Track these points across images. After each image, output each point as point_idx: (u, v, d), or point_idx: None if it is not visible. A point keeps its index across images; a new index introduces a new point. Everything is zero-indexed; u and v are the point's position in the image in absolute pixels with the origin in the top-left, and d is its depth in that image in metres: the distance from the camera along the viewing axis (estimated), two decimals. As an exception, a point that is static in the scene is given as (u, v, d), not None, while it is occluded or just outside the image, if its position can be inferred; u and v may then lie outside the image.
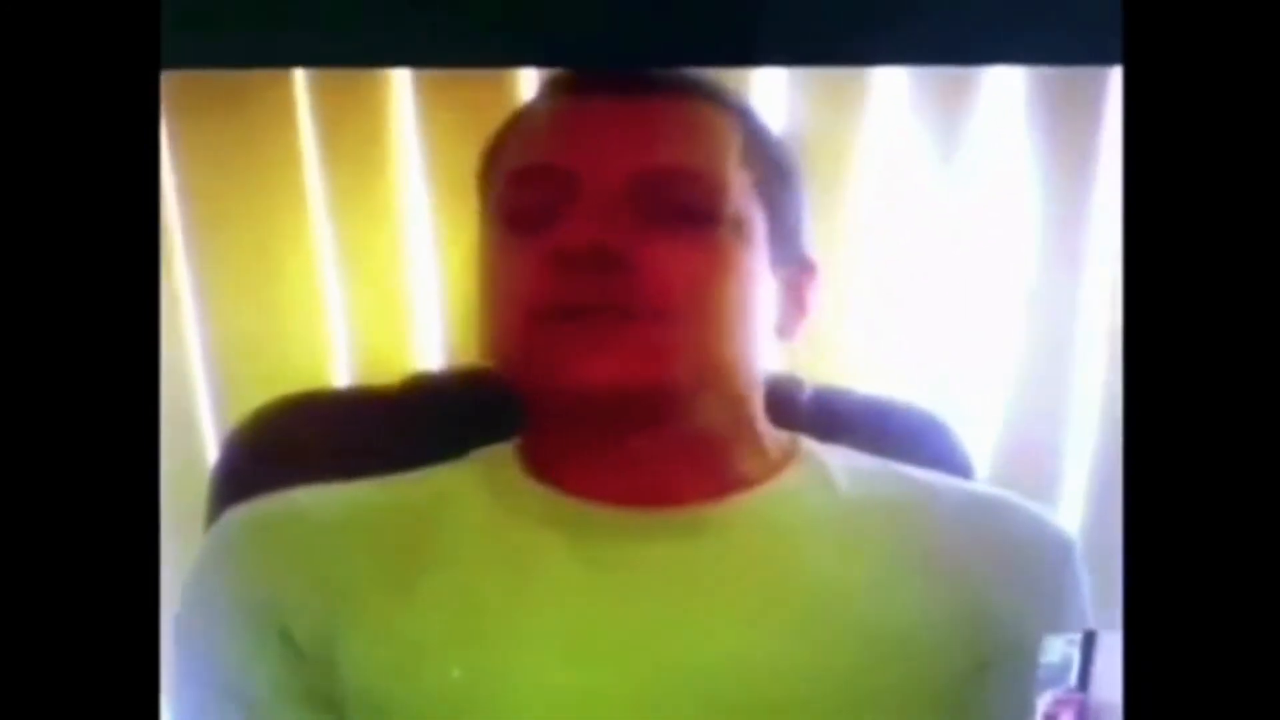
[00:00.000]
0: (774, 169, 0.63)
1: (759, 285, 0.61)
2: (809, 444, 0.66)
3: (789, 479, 0.63)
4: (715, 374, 0.60)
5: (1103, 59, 0.65)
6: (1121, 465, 0.44)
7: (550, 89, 0.64)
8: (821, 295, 0.67)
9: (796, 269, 0.65)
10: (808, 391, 0.67)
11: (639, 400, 0.58)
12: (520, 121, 0.64)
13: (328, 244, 0.86)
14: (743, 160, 0.61)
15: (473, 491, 0.63)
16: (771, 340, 0.64)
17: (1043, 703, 0.54)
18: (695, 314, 0.58)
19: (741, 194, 0.60)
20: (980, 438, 0.87)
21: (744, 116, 0.63)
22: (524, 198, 0.61)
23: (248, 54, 0.70)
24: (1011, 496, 0.66)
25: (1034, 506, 0.65)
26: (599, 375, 0.57)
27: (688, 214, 0.59)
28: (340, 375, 0.88)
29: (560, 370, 0.58)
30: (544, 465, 0.63)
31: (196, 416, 0.87)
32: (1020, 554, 0.62)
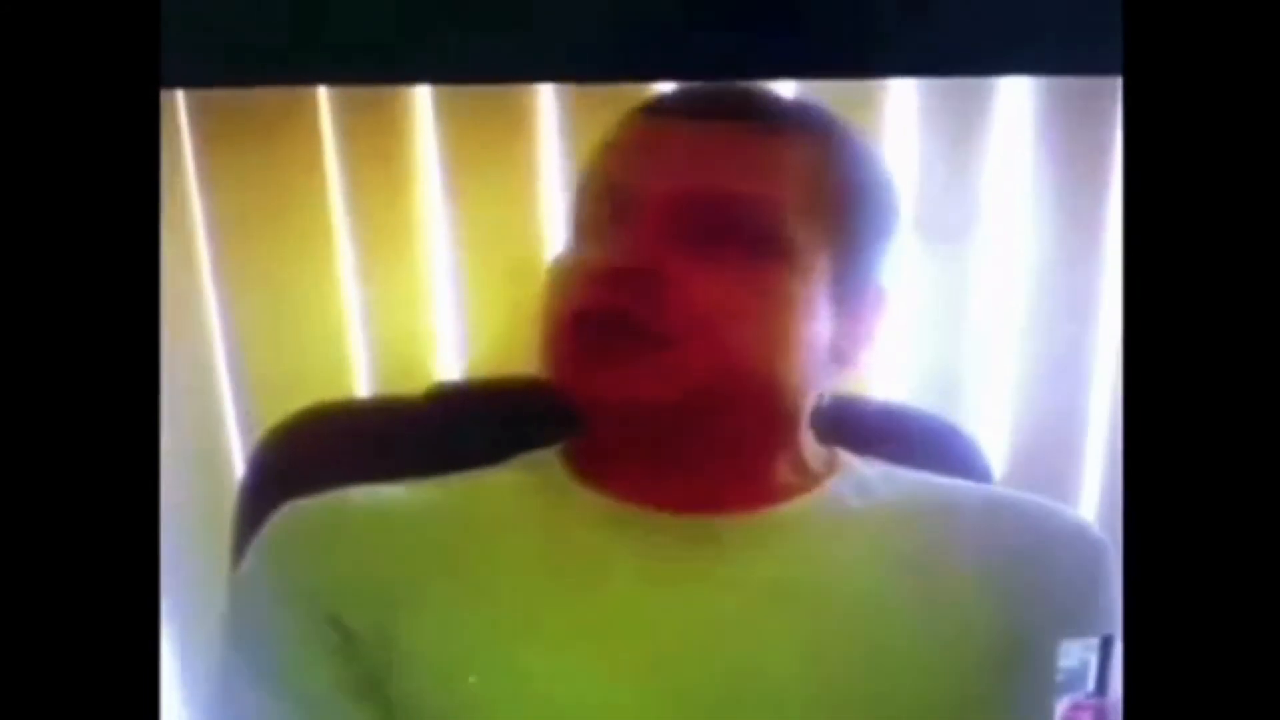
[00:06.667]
0: (853, 203, 0.62)
1: (809, 313, 0.60)
2: (848, 457, 0.67)
3: (829, 489, 0.64)
4: (743, 396, 0.60)
5: (1104, 69, 0.66)
6: (1122, 469, 0.44)
7: (637, 110, 0.64)
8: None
9: (870, 298, 0.64)
10: (826, 400, 0.68)
11: (657, 414, 0.59)
12: (606, 141, 0.64)
13: (351, 257, 0.88)
14: (811, 191, 0.60)
15: (521, 496, 0.64)
16: (827, 366, 0.63)
17: (1060, 707, 0.54)
18: (720, 337, 0.58)
19: (803, 224, 0.59)
20: (995, 444, 0.87)
21: (824, 146, 0.62)
22: (585, 211, 0.63)
23: (272, 73, 0.71)
24: (1047, 501, 0.66)
25: (1069, 510, 0.66)
26: (615, 387, 0.58)
27: (733, 238, 0.58)
28: (364, 386, 0.89)
29: (582, 377, 0.59)
30: (591, 470, 0.64)
31: (224, 429, 0.89)
32: (1056, 557, 0.62)
